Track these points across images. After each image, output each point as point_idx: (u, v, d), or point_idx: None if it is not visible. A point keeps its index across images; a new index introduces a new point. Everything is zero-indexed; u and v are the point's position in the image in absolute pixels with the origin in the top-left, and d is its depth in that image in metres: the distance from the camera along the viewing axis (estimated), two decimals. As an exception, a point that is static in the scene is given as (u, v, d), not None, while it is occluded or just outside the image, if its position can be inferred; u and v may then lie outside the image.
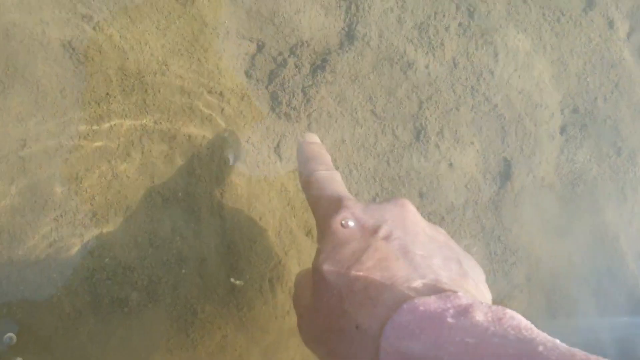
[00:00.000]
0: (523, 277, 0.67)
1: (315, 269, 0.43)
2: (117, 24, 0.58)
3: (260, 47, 0.63)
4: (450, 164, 0.65)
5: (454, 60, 0.64)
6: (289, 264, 0.61)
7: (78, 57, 0.57)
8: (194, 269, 0.58)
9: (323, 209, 0.47)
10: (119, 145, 0.57)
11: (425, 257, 0.42)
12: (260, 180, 0.61)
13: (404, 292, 0.38)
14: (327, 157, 0.53)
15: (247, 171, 0.61)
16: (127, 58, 0.58)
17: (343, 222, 0.44)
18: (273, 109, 0.63)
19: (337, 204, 0.46)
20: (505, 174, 0.66)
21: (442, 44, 0.64)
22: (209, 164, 0.60)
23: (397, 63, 0.64)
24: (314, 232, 0.62)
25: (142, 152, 0.58)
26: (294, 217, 0.61)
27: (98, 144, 0.57)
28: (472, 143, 0.65)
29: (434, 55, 0.64)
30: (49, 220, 0.55)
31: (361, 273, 0.41)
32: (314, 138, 0.55)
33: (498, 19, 0.64)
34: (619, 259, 0.69)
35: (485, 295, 0.44)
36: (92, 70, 0.57)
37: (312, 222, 0.61)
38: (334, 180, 0.50)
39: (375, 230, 0.43)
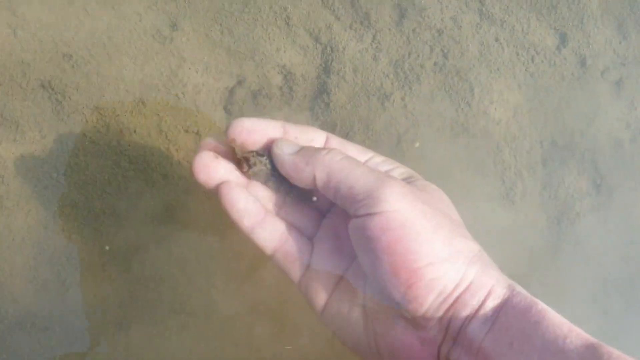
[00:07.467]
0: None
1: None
2: (95, 61, 0.60)
3: (240, 82, 0.64)
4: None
5: (431, 94, 0.65)
6: None
7: (57, 97, 0.59)
8: None
9: None
10: (96, 182, 0.59)
11: None
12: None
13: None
14: None
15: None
16: (103, 96, 0.60)
17: None
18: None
19: None
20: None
21: (418, 79, 0.64)
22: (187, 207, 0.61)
23: (373, 95, 0.64)
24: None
25: (119, 189, 0.60)
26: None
27: (75, 179, 0.59)
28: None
29: (410, 88, 0.64)
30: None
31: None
32: None
33: (471, 59, 0.64)
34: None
35: None
36: (69, 110, 0.59)
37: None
38: None
39: None
